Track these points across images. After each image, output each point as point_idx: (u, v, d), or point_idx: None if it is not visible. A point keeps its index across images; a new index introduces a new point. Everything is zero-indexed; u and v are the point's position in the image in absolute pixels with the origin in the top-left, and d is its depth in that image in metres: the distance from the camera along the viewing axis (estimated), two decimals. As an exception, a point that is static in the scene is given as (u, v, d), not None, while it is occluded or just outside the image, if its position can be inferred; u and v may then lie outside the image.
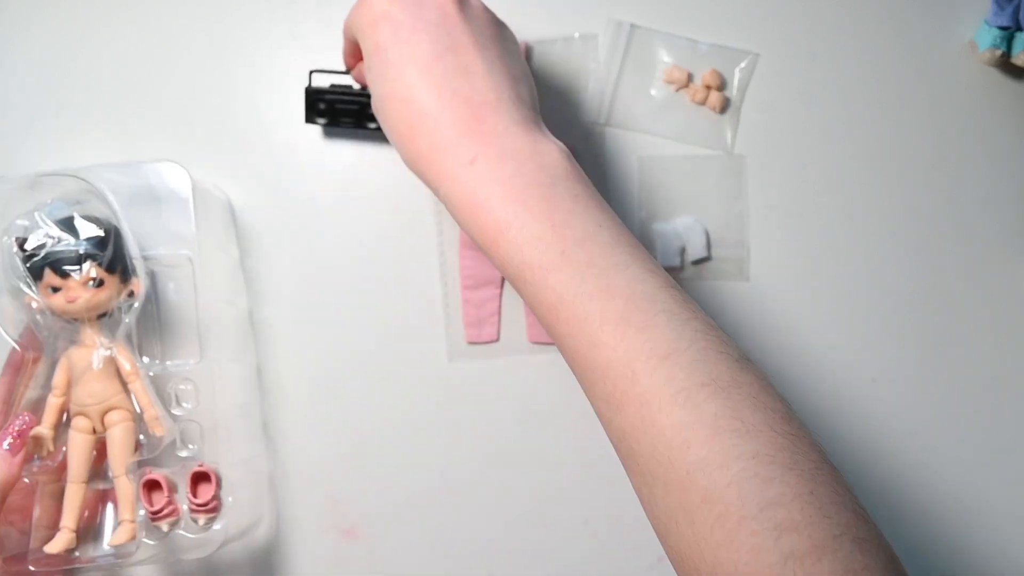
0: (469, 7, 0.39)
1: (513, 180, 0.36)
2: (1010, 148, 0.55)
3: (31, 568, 0.43)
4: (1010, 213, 0.55)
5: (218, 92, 0.54)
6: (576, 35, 0.54)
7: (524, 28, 0.54)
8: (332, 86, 0.50)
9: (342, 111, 0.49)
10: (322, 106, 0.50)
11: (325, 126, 0.51)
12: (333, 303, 0.53)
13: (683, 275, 0.54)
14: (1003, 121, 0.55)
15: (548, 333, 0.37)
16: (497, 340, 0.53)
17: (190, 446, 0.47)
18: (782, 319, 0.54)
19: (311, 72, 0.50)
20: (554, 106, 0.54)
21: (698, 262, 0.54)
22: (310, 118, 0.50)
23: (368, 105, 0.47)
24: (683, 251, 0.54)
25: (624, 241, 0.36)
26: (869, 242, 0.55)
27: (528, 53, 0.53)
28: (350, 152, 0.53)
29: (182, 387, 0.46)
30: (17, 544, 0.44)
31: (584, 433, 0.53)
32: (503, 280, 0.53)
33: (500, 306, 0.53)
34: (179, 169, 0.46)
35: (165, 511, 0.44)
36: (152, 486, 0.45)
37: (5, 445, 0.41)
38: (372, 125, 0.50)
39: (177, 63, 0.54)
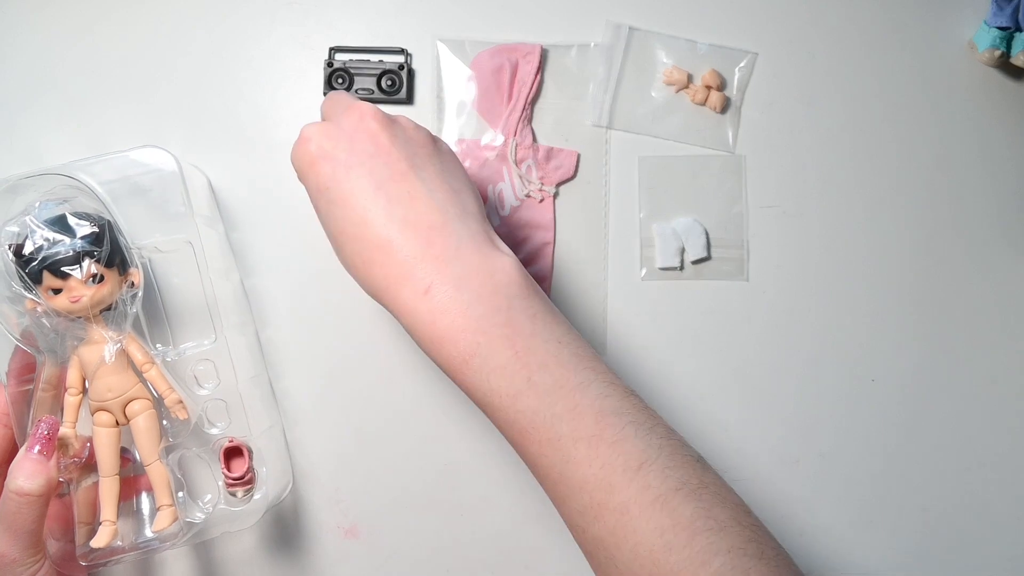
0: (399, 131, 0.40)
1: (471, 309, 0.36)
2: (1009, 148, 0.55)
3: (83, 564, 0.44)
4: (1010, 213, 0.55)
5: (188, 76, 0.54)
6: (592, 44, 0.54)
7: (524, 31, 0.54)
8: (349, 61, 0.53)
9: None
10: (340, 81, 0.52)
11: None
12: (325, 285, 0.53)
13: (683, 275, 0.54)
14: (1002, 121, 0.55)
15: (518, 452, 0.38)
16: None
17: (218, 424, 0.47)
18: (782, 319, 0.55)
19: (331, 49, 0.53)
20: (559, 112, 0.54)
21: (698, 262, 0.54)
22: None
23: (384, 73, 0.52)
24: (683, 251, 0.54)
25: (584, 355, 0.38)
26: (869, 242, 0.55)
27: (543, 57, 0.54)
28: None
29: (200, 368, 0.47)
30: (57, 550, 0.44)
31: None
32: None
33: None
34: (163, 153, 0.46)
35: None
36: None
37: (36, 450, 0.41)
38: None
39: (141, 52, 0.54)
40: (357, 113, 0.40)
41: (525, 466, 0.54)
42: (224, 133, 0.54)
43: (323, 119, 0.43)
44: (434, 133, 0.53)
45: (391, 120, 0.40)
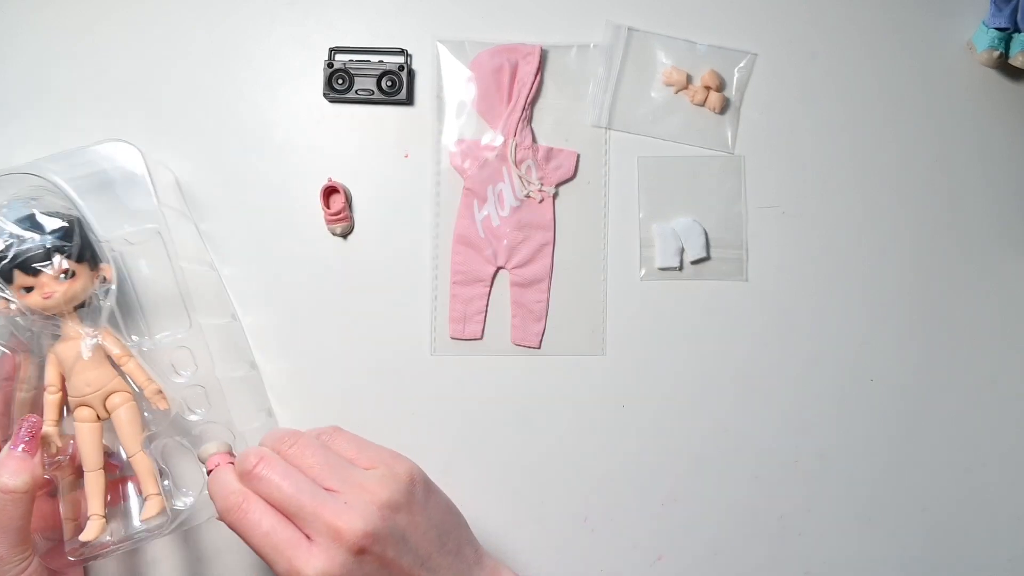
0: (396, 530, 0.38)
1: None
2: (1008, 148, 0.55)
3: (71, 559, 0.44)
4: (1009, 213, 0.55)
5: (197, 82, 0.54)
6: (592, 44, 0.54)
7: (524, 31, 0.54)
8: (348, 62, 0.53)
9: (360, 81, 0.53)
10: (340, 81, 0.53)
11: (341, 97, 0.54)
12: (324, 287, 0.53)
13: (683, 275, 0.54)
14: (1001, 121, 0.56)
15: None
16: (481, 338, 0.54)
17: (198, 411, 0.47)
18: (781, 319, 0.55)
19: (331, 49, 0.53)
20: (559, 112, 0.54)
21: (697, 262, 0.54)
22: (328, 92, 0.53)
23: (384, 74, 0.53)
24: (682, 251, 0.54)
25: None
26: (868, 242, 0.55)
27: (543, 57, 0.54)
28: (350, 138, 0.54)
29: (177, 356, 0.47)
30: (47, 547, 0.44)
31: (576, 434, 0.54)
32: (493, 280, 0.54)
33: (487, 305, 0.54)
34: (127, 147, 0.46)
35: (342, 214, 0.51)
36: (330, 192, 0.52)
37: (19, 449, 0.41)
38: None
39: (141, 53, 0.54)
40: (351, 544, 0.37)
41: (521, 466, 0.54)
42: (227, 136, 0.54)
43: (285, 503, 0.38)
44: (433, 134, 0.54)
45: (382, 523, 0.38)
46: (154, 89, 0.54)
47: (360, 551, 0.37)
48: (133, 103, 0.54)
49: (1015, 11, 0.53)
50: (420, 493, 0.40)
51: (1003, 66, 0.55)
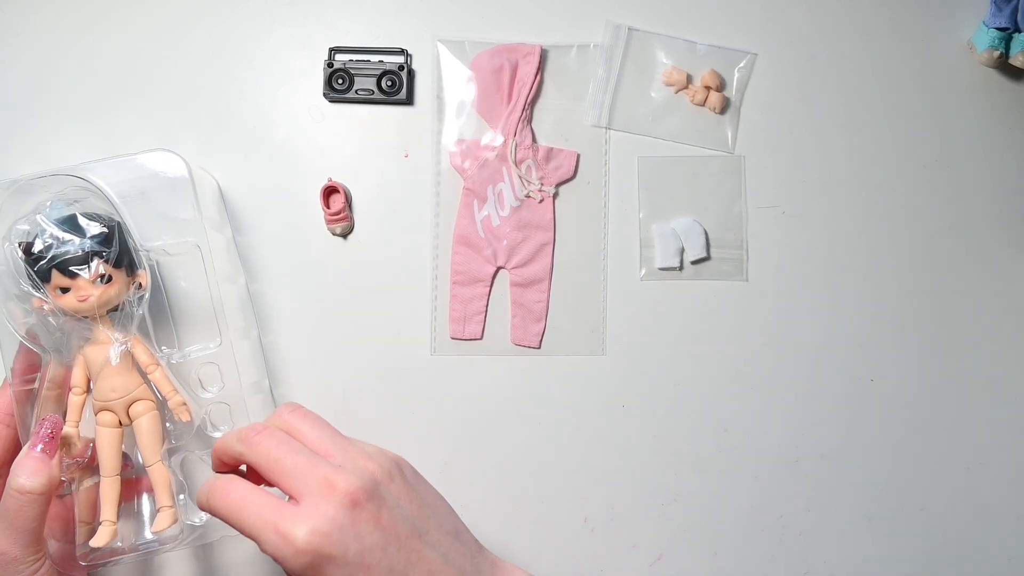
0: (389, 496, 0.37)
1: None
2: (1008, 148, 0.55)
3: (82, 564, 0.44)
4: (1009, 213, 0.55)
5: (189, 77, 0.54)
6: (592, 44, 0.54)
7: (524, 31, 0.54)
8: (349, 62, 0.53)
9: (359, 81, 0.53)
10: (340, 81, 0.53)
11: (341, 97, 0.54)
12: (324, 287, 0.53)
13: (682, 275, 0.54)
14: (1002, 121, 0.56)
15: None
16: (481, 338, 0.54)
17: (221, 427, 0.47)
18: (781, 319, 0.55)
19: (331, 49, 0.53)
20: (559, 112, 0.54)
21: (697, 262, 0.54)
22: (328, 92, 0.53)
23: (384, 74, 0.53)
24: (682, 251, 0.54)
25: None
26: (868, 242, 0.55)
27: (543, 57, 0.54)
28: (350, 138, 0.54)
29: (205, 371, 0.47)
30: (58, 550, 0.44)
31: (576, 434, 0.54)
32: (493, 280, 0.54)
33: (487, 305, 0.54)
34: (173, 157, 0.46)
35: (342, 214, 0.52)
36: (330, 192, 0.52)
37: (38, 449, 0.41)
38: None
39: (142, 54, 0.54)
40: (344, 496, 0.35)
41: (521, 466, 0.54)
42: (227, 136, 0.54)
43: (266, 465, 0.37)
44: (433, 134, 0.54)
45: (375, 484, 0.36)
46: (153, 89, 0.54)
47: (353, 504, 0.35)
48: (131, 104, 0.54)
49: (1015, 11, 0.53)
50: (410, 476, 0.40)
51: (1003, 66, 0.55)
